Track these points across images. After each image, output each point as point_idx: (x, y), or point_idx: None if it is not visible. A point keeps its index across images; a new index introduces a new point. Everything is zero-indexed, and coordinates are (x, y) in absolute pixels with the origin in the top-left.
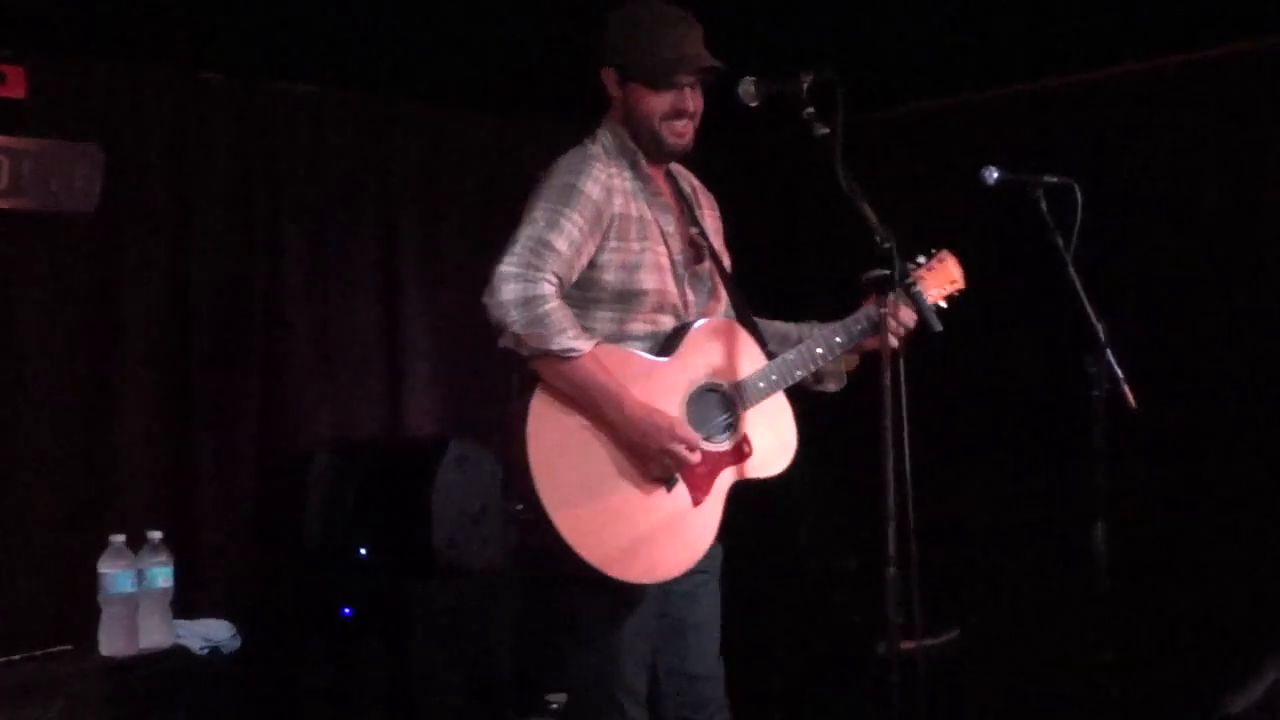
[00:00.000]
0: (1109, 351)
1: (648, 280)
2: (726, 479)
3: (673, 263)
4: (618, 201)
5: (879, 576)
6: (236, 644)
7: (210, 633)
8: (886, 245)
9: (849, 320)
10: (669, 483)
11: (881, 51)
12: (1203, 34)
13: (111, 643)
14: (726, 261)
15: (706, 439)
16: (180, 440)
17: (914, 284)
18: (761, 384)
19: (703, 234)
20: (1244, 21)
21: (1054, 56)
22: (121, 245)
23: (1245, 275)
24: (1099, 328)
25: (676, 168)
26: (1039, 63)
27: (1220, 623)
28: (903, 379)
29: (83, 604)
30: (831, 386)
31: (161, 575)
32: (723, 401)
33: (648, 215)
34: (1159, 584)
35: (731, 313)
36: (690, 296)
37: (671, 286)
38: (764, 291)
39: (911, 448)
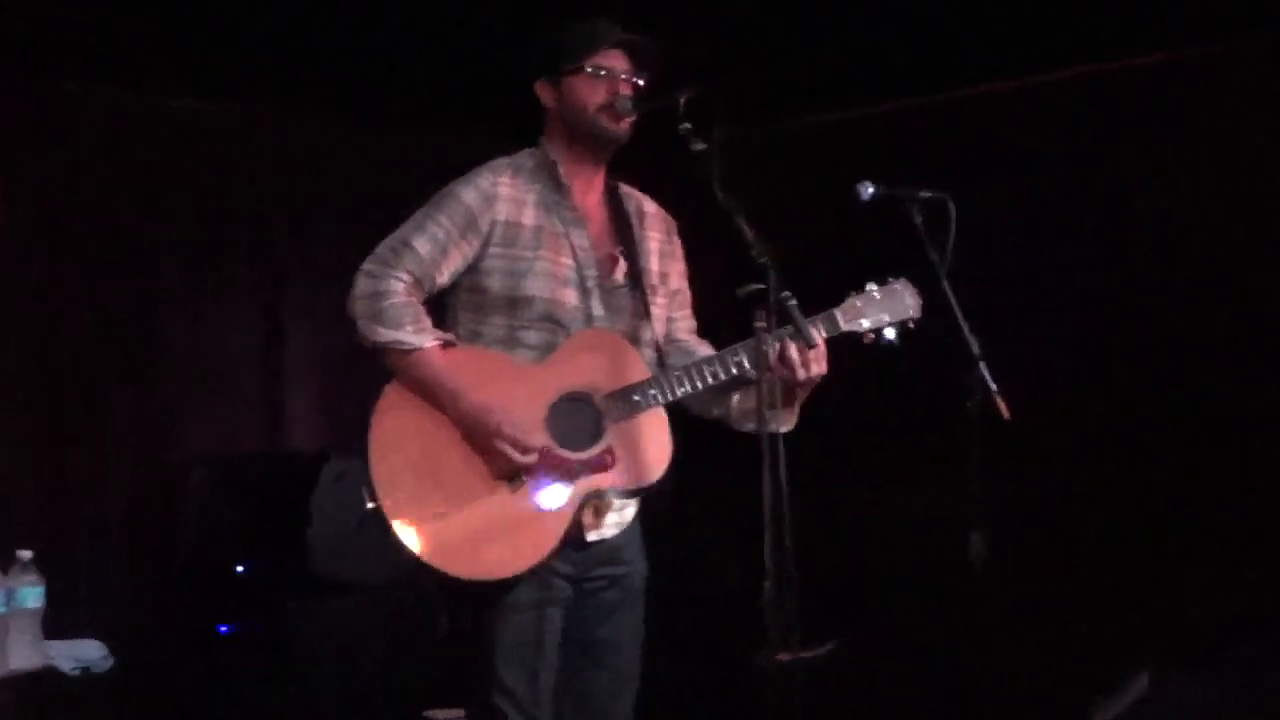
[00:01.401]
0: (982, 364)
1: (535, 288)
2: (582, 486)
3: (580, 276)
4: (504, 209)
5: (760, 589)
6: (109, 664)
7: (82, 653)
8: (762, 261)
9: (752, 342)
10: (513, 482)
11: (761, 67)
12: (1074, 51)
13: None
14: (674, 283)
15: (567, 446)
16: (51, 456)
17: (789, 298)
18: (636, 397)
19: (627, 253)
20: (1114, 40)
21: (930, 73)
22: None
23: (1118, 284)
24: (972, 341)
25: (626, 190)
26: (915, 79)
27: (1091, 633)
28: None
29: None
30: (782, 426)
31: (32, 595)
32: (592, 411)
33: (556, 227)
34: (1033, 594)
35: (653, 330)
36: (598, 311)
37: (570, 299)
38: None
39: (791, 460)
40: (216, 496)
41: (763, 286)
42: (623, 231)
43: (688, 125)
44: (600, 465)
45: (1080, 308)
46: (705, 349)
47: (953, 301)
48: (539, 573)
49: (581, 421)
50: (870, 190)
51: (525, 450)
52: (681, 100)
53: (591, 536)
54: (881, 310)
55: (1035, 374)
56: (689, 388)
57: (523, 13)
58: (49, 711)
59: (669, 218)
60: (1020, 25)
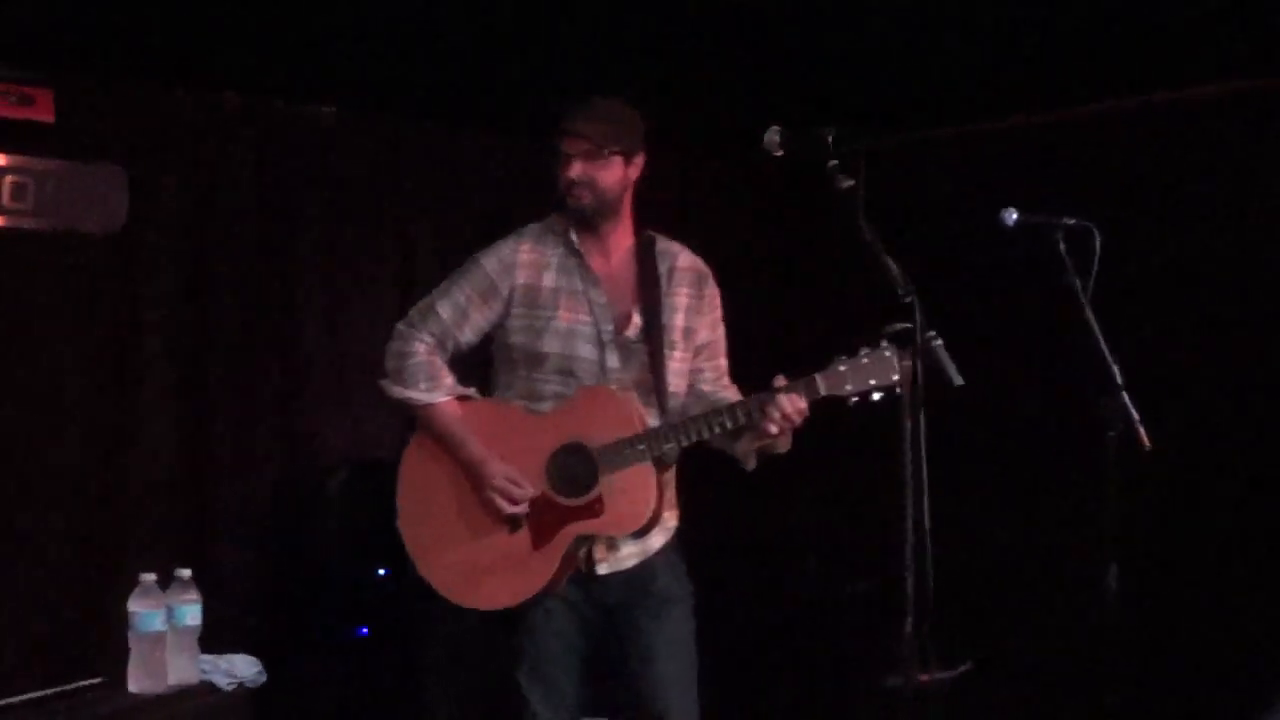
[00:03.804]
0: (1124, 393)
1: (549, 344)
2: (571, 530)
3: (597, 331)
4: (523, 274)
5: (890, 600)
6: (262, 679)
7: (236, 669)
8: (908, 299)
9: (738, 404)
10: (513, 524)
11: (905, 75)
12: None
13: (141, 680)
14: (702, 336)
15: (565, 492)
16: (200, 464)
17: (934, 337)
18: (626, 450)
19: (644, 309)
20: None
21: (1074, 88)
22: (142, 267)
23: (1262, 316)
24: (1115, 369)
25: (664, 245)
26: (1059, 93)
27: (1229, 663)
28: (922, 426)
29: (109, 635)
30: (750, 464)
31: (190, 613)
32: (587, 461)
33: (575, 286)
34: (1170, 624)
35: (667, 382)
36: (613, 364)
37: (585, 353)
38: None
39: (928, 485)
40: (356, 501)
41: (908, 325)
42: (646, 288)
43: (835, 162)
44: (589, 512)
45: (1224, 336)
46: (732, 395)
47: (1096, 330)
48: (569, 600)
49: (579, 470)
50: (1014, 217)
51: (513, 500)
52: (830, 136)
53: (602, 570)
54: (868, 375)
55: (1178, 404)
56: (674, 444)
57: (658, 37)
58: None
59: (701, 270)
60: (1166, 38)
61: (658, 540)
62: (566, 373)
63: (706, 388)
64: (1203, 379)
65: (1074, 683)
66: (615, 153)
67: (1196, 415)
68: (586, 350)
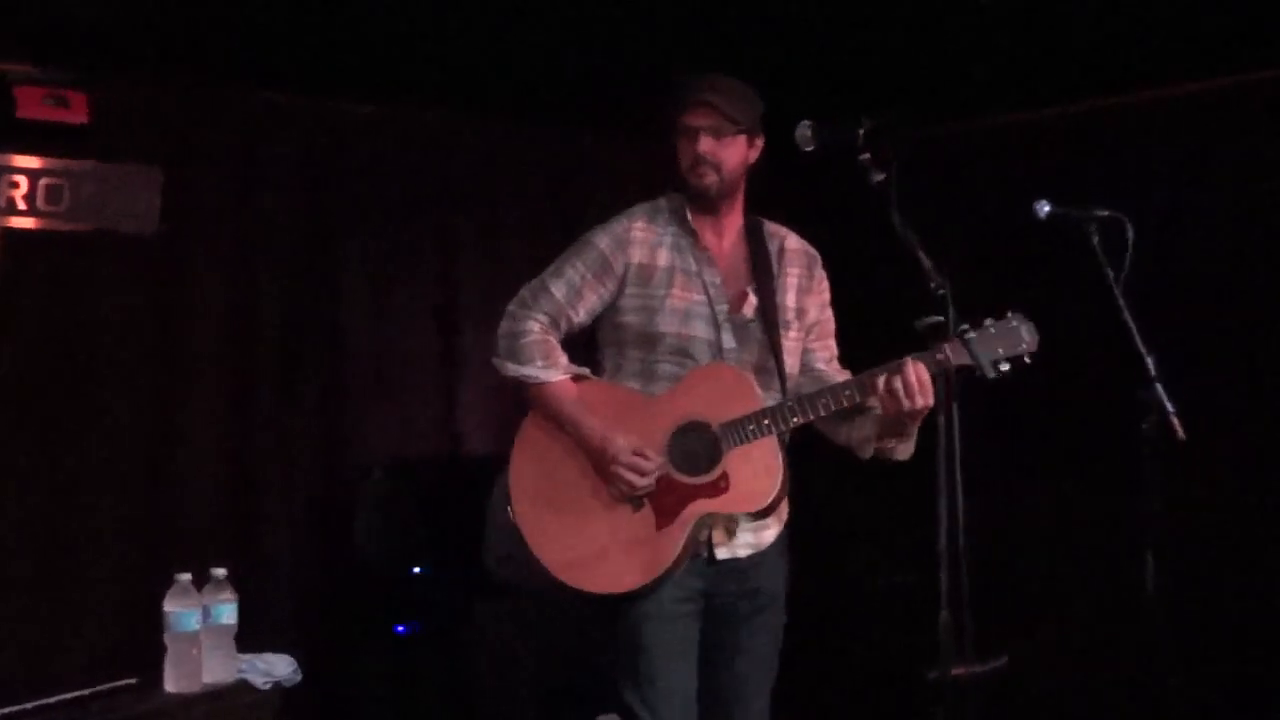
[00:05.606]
0: (1158, 384)
1: (665, 324)
2: (696, 509)
3: (712, 311)
4: (637, 252)
5: (928, 593)
6: (298, 678)
7: (272, 668)
8: (941, 292)
9: (864, 375)
10: (635, 504)
11: (937, 66)
12: (1261, 54)
13: (177, 679)
14: (812, 315)
15: (687, 471)
16: (241, 463)
17: (967, 330)
18: (751, 426)
19: (759, 290)
20: None
21: (1106, 77)
22: (184, 267)
23: None
24: (1148, 360)
25: (772, 227)
26: (1092, 84)
27: (1269, 655)
28: (956, 418)
29: (148, 634)
30: (865, 452)
31: (226, 612)
32: (709, 438)
33: (689, 266)
34: (1208, 615)
35: (782, 362)
36: (729, 344)
37: (701, 333)
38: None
39: (964, 478)
40: (396, 499)
41: (941, 319)
42: (758, 269)
43: (867, 156)
44: (714, 490)
45: (1258, 326)
46: (841, 377)
47: (1129, 321)
48: (678, 584)
49: (701, 448)
50: (1047, 209)
51: (642, 473)
52: (862, 130)
53: (721, 554)
54: (997, 345)
55: (1213, 395)
56: (801, 418)
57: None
58: None
59: (810, 252)
60: (1201, 27)
61: (771, 532)
62: (682, 353)
63: (821, 366)
64: (1237, 369)
65: (1110, 675)
66: (741, 130)
67: (1231, 406)
68: (702, 330)
